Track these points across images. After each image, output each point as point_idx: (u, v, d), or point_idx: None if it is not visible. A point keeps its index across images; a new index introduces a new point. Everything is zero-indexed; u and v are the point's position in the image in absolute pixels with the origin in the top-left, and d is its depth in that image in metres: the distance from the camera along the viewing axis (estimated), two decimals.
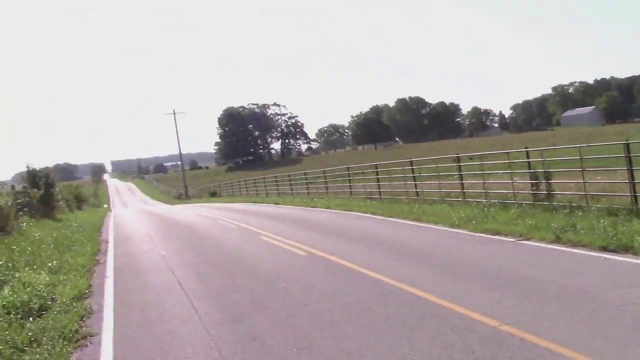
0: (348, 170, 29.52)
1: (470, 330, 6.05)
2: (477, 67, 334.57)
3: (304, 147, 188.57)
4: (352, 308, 7.36)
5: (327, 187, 30.83)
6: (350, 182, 28.18)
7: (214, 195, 59.75)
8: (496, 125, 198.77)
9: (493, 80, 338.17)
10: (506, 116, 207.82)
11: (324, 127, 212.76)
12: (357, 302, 7.65)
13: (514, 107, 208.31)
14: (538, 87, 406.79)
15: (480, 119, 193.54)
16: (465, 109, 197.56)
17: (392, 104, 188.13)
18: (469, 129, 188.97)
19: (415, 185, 21.49)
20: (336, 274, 9.61)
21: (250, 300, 8.29)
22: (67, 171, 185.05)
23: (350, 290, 8.36)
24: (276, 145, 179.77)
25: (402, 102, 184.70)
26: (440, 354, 5.45)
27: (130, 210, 43.76)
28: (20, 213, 19.91)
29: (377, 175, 25.24)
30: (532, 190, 15.24)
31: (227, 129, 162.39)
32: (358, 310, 7.25)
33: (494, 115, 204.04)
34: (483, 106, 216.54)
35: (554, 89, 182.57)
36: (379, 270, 9.47)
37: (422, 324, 6.41)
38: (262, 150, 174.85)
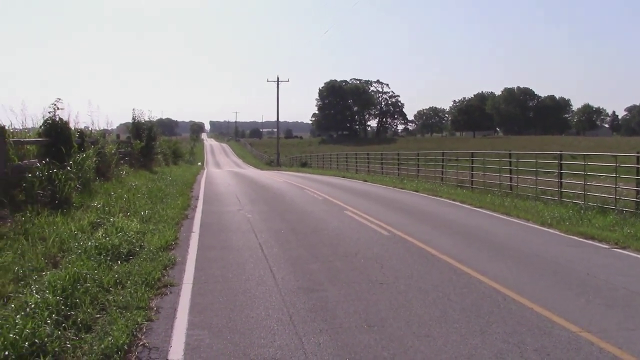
0: (442, 156, 28.98)
1: (548, 332, 5.85)
2: (593, 62, 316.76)
3: (400, 127, 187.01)
4: (429, 293, 7.28)
5: (418, 170, 30.44)
6: (443, 168, 27.67)
7: (304, 165, 60.49)
8: (607, 125, 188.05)
9: (610, 78, 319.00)
10: (619, 117, 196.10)
11: (423, 109, 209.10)
12: (434, 288, 7.56)
13: (630, 109, 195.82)
14: None
15: (591, 118, 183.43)
16: (576, 105, 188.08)
17: (498, 92, 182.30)
18: (577, 127, 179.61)
19: (511, 178, 20.82)
20: (416, 257, 9.52)
21: (327, 272, 8.37)
22: (168, 126, 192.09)
23: (428, 276, 8.26)
24: (373, 123, 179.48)
25: (509, 92, 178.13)
26: (512, 352, 5.31)
27: (222, 171, 45.19)
28: (122, 162, 21.02)
29: (472, 163, 24.65)
30: (637, 198, 14.39)
31: (326, 101, 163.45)
32: (434, 296, 7.16)
33: (606, 115, 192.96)
34: (596, 104, 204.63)
35: None
36: (460, 259, 9.31)
37: (499, 319, 6.25)
38: (358, 126, 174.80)
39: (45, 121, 13.18)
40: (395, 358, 5.16)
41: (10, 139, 11.03)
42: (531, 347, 5.42)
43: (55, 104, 13.33)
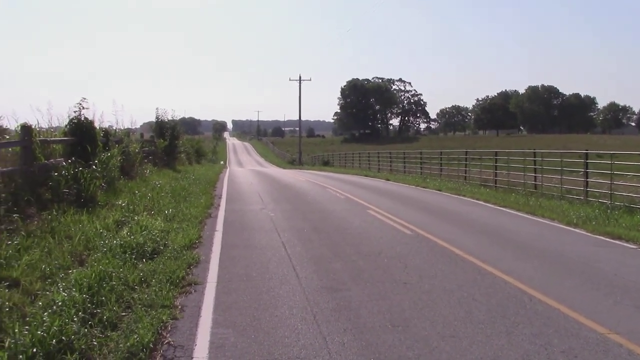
0: (466, 154, 28.75)
1: (576, 334, 5.76)
2: (619, 59, 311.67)
3: (422, 126, 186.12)
4: (453, 293, 7.22)
5: (441, 169, 30.25)
6: (466, 167, 27.44)
7: (326, 164, 60.45)
8: (633, 124, 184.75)
9: (636, 75, 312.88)
10: None
11: (446, 108, 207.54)
12: (459, 288, 7.49)
13: None
14: None
15: (616, 116, 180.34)
16: (601, 103, 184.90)
17: (522, 90, 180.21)
18: (602, 125, 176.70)
19: (535, 177, 20.59)
20: (440, 257, 9.45)
21: (351, 272, 8.35)
22: (191, 125, 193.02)
23: (452, 275, 8.19)
24: (395, 122, 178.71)
25: (533, 90, 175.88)
26: (539, 352, 5.24)
27: (244, 170, 45.37)
28: (145, 161, 21.21)
29: (496, 162, 24.42)
30: None
31: (348, 100, 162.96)
32: (459, 296, 7.10)
33: (632, 113, 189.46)
34: (622, 102, 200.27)
35: None
36: (484, 258, 9.22)
37: (525, 320, 6.17)
38: (380, 125, 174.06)
39: (70, 120, 13.34)
40: (420, 358, 5.12)
41: (37, 138, 11.18)
42: (558, 349, 5.34)
43: (80, 104, 13.49)
